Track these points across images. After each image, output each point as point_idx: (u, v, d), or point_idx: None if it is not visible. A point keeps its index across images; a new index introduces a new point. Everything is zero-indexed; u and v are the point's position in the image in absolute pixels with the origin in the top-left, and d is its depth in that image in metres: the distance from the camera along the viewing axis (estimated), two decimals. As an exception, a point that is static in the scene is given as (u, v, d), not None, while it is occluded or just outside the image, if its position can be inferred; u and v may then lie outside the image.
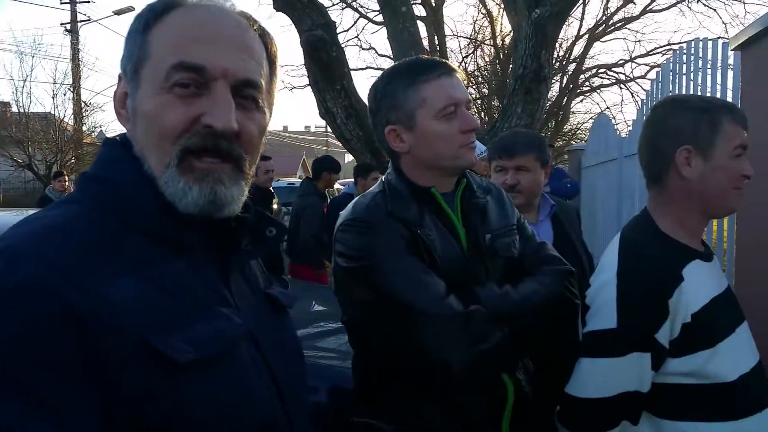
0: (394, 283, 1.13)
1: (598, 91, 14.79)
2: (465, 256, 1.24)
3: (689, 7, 11.46)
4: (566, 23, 13.42)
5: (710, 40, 2.67)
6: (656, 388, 1.20)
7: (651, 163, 1.33)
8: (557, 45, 12.72)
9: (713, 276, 1.30)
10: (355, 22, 13.29)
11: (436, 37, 12.32)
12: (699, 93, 2.76)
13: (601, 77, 13.99)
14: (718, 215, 1.31)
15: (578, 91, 14.13)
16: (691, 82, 2.89)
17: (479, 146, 4.18)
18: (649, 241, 1.28)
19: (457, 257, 1.23)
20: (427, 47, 12.62)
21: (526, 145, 1.90)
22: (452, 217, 1.26)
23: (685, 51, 3.03)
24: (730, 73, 2.50)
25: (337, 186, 10.11)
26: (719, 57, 2.59)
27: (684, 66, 3.02)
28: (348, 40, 12.72)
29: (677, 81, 3.16)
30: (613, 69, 13.43)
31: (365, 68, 14.16)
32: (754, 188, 1.94)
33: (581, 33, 13.01)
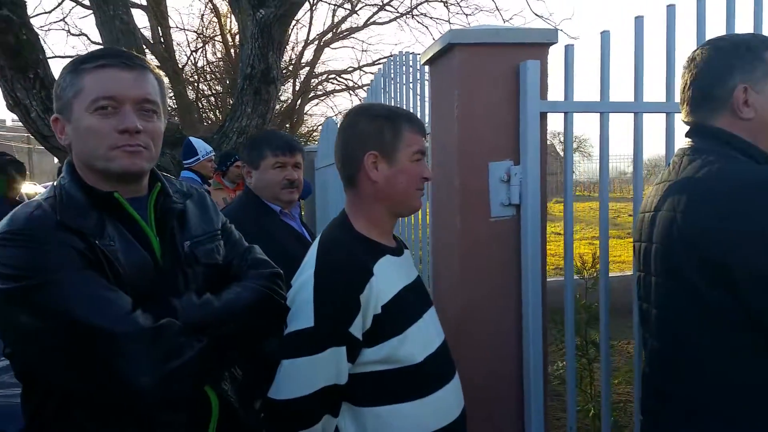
0: (69, 302, 1.00)
1: (330, 96, 15.73)
2: (158, 266, 1.17)
3: (407, 23, 12.97)
4: (297, 27, 13.97)
5: (411, 54, 3.04)
6: (354, 379, 1.30)
7: (344, 167, 1.44)
8: (289, 48, 13.15)
9: (403, 268, 1.46)
10: (60, 3, 11.73)
11: (159, 28, 11.63)
12: (403, 102, 3.11)
13: (332, 82, 14.96)
14: (405, 214, 1.48)
15: (312, 95, 14.85)
16: (396, 93, 3.25)
17: (204, 146, 4.08)
18: (343, 240, 1.38)
19: (148, 268, 1.15)
20: (150, 38, 11.80)
21: (298, 144, 2.16)
22: (142, 224, 1.18)
23: (391, 63, 3.39)
24: (427, 85, 2.88)
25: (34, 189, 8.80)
26: (418, 70, 2.97)
27: (391, 77, 3.37)
28: (52, 23, 11.14)
29: (387, 90, 3.52)
30: (342, 75, 14.47)
31: (75, 56, 12.55)
32: (438, 191, 2.28)
33: (311, 38, 13.73)
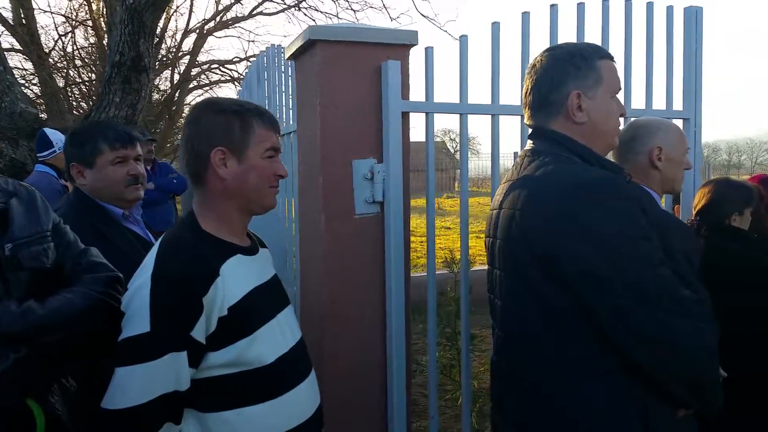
0: None
1: (215, 86, 15.16)
2: None
3: (295, 16, 12.81)
4: (176, 15, 13.32)
5: (280, 47, 3.02)
6: (198, 384, 1.26)
7: (190, 163, 1.39)
8: (167, 36, 12.51)
9: (256, 267, 1.42)
10: None
11: (21, 9, 10.61)
12: (274, 97, 3.08)
13: (215, 73, 14.42)
14: (257, 212, 1.46)
15: (194, 84, 14.24)
16: (267, 87, 3.21)
17: (60, 138, 3.78)
18: (187, 239, 1.32)
19: None
20: (11, 20, 10.76)
21: (137, 134, 2.03)
22: None
23: (264, 56, 3.34)
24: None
25: None
26: (284, 64, 2.95)
27: (263, 70, 3.33)
28: None
29: (261, 84, 3.46)
30: (227, 66, 13.99)
31: None
32: (303, 188, 2.28)
33: (191, 27, 13.15)
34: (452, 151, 41.39)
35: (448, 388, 3.75)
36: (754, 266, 2.27)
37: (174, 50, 12.99)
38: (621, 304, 1.25)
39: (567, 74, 1.48)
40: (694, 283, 1.57)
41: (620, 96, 1.56)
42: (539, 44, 2.08)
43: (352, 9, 11.15)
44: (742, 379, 1.92)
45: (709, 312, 1.51)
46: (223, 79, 14.81)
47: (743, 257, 2.27)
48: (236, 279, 1.32)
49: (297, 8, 11.64)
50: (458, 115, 2.20)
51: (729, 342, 1.63)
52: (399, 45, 2.06)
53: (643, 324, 1.25)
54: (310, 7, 11.84)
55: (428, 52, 2.13)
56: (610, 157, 1.90)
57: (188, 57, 13.41)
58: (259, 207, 1.44)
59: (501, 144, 2.29)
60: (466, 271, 2.30)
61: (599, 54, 1.51)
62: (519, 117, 2.27)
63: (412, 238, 2.37)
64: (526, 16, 2.24)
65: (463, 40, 2.17)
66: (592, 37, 2.25)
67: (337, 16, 11.51)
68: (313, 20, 11.79)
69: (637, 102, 2.50)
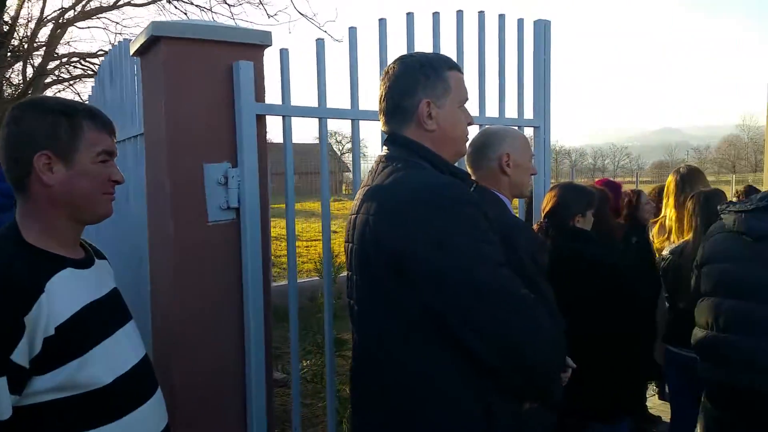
0: None
1: (77, 82, 14.05)
2: None
3: (164, 7, 12.17)
4: (29, 2, 12.19)
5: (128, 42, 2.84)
6: (22, 412, 1.16)
7: (11, 169, 1.27)
8: (19, 24, 11.41)
9: (92, 281, 1.33)
10: None
11: None
12: (126, 94, 2.89)
13: (77, 67, 13.35)
14: (90, 221, 1.36)
15: (52, 80, 13.10)
16: (117, 86, 3.01)
17: None
18: (6, 253, 1.21)
19: None
20: None
21: None
22: None
23: (117, 50, 3.13)
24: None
25: None
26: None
27: (116, 66, 3.12)
28: None
29: (114, 81, 3.25)
30: (89, 60, 13.00)
31: None
32: (151, 193, 2.15)
33: (48, 15, 12.09)
34: (338, 153, 41.56)
35: (322, 395, 3.74)
36: (593, 264, 2.49)
37: (27, 40, 11.88)
38: (463, 304, 1.32)
39: (417, 83, 1.53)
40: (538, 281, 1.69)
41: (472, 105, 1.64)
42: (399, 51, 2.14)
43: (226, 3, 10.81)
44: (589, 368, 2.09)
45: (550, 309, 1.63)
46: (86, 73, 13.79)
47: (584, 256, 2.48)
48: (65, 295, 1.22)
49: (168, 0, 11.10)
50: (345, 120, 2.21)
51: (576, 334, 1.77)
52: (252, 45, 2.02)
53: (484, 322, 1.33)
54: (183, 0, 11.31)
55: (283, 53, 2.11)
56: (464, 162, 2.01)
57: (44, 48, 12.32)
58: (91, 216, 1.35)
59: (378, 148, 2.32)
60: (329, 274, 2.30)
61: (448, 65, 1.58)
62: (379, 122, 2.31)
63: (296, 243, 2.34)
64: (382, 22, 2.29)
65: (320, 42, 2.17)
66: (448, 45, 2.34)
67: (211, 9, 11.12)
68: (185, 13, 11.32)
69: (491, 111, 2.65)
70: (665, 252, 2.96)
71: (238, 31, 2.01)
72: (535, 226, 2.66)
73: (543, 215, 2.63)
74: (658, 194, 3.74)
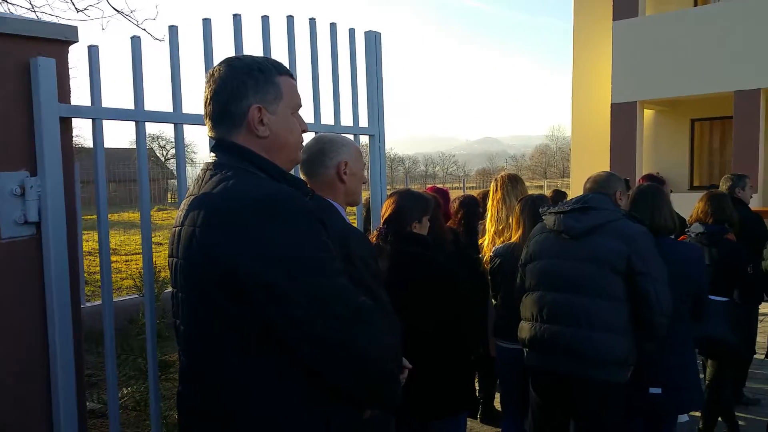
0: None
1: None
2: None
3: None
4: None
5: None
6: None
7: None
8: None
9: None
10: None
11: None
12: None
13: None
14: None
15: None
16: None
17: None
18: None
19: None
20: None
21: None
22: None
23: None
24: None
25: None
26: None
27: None
28: None
29: None
30: None
31: None
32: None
33: None
34: (162, 159, 39.23)
35: (148, 423, 3.48)
36: (431, 268, 2.63)
37: None
38: (299, 315, 1.30)
39: (246, 87, 1.48)
40: (374, 288, 1.72)
41: (307, 112, 1.62)
42: (226, 53, 2.06)
43: (28, -6, 9.67)
44: (426, 368, 2.19)
45: (388, 315, 1.67)
46: None
47: (422, 260, 2.61)
48: None
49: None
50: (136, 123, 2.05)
51: (413, 334, 1.85)
52: (55, 40, 1.82)
53: (321, 333, 1.31)
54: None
55: (92, 50, 1.93)
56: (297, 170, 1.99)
57: None
58: None
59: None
60: (152, 291, 2.14)
61: (278, 70, 1.55)
62: (204, 127, 2.21)
63: (115, 258, 2.12)
64: (207, 23, 2.19)
65: (136, 40, 2.02)
66: (279, 51, 2.32)
67: (6, 1, 9.88)
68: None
69: (326, 118, 2.67)
70: (491, 253, 3.20)
71: (36, 24, 1.80)
72: (374, 233, 2.73)
73: (382, 221, 2.71)
74: (483, 199, 4.05)
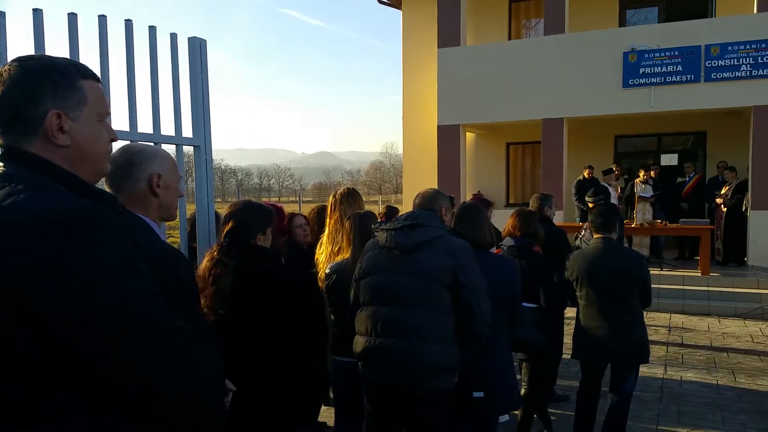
0: None
1: None
2: None
3: None
4: None
5: None
6: None
7: None
8: None
9: None
10: None
11: None
12: None
13: None
14: None
15: None
16: None
17: None
18: None
19: None
20: None
21: None
22: None
23: None
24: None
25: None
26: None
27: None
28: None
29: None
30: None
31: None
32: None
33: None
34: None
35: None
36: (282, 284, 2.58)
37: None
38: (113, 347, 1.18)
39: (44, 90, 1.31)
40: (192, 310, 1.62)
41: (123, 121, 1.47)
42: (23, 52, 1.82)
43: None
44: (262, 383, 2.11)
45: (207, 338, 1.57)
46: None
47: (273, 275, 2.55)
48: None
49: None
50: None
51: (251, 347, 1.75)
52: None
53: (140, 364, 1.21)
54: None
55: None
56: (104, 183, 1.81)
57: None
58: None
59: None
60: None
61: (82, 73, 1.40)
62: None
63: None
64: (1, 15, 1.93)
65: None
66: (89, 53, 2.11)
67: None
68: None
69: (144, 126, 2.48)
70: (327, 270, 3.19)
71: None
72: (214, 248, 2.60)
73: (223, 235, 2.59)
74: (318, 214, 4.04)
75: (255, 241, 2.61)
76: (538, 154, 11.69)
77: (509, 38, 13.28)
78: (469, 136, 13.36)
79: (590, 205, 7.73)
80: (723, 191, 10.20)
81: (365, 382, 2.67)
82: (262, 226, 2.65)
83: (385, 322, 2.58)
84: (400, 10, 14.70)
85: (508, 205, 13.31)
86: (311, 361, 2.86)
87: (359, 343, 2.67)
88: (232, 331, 2.50)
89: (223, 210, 2.76)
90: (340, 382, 3.18)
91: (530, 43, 11.99)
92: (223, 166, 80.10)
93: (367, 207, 3.49)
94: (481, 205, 3.31)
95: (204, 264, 2.59)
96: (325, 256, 3.32)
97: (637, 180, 10.37)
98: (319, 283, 3.27)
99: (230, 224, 2.60)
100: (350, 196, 3.45)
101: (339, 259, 3.18)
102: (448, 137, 11.95)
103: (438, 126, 12.04)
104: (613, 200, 10.16)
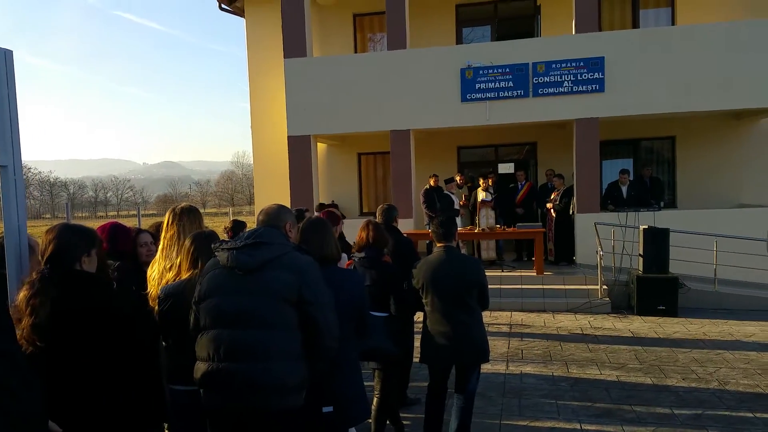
0: None
1: None
2: None
3: None
4: None
5: None
6: None
7: None
8: None
9: None
10: None
11: None
12: None
13: None
14: None
15: None
16: None
17: None
18: None
19: None
20: None
21: None
22: None
23: None
24: None
25: None
26: None
27: None
28: None
29: None
30: None
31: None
32: None
33: None
34: None
35: None
36: (111, 313, 2.42)
37: None
38: None
39: None
40: (4, 346, 1.47)
41: None
42: None
43: None
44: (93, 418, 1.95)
45: (23, 376, 1.44)
46: None
47: (103, 305, 2.39)
48: None
49: None
50: None
51: (68, 388, 1.57)
52: None
53: None
54: None
55: None
56: None
57: None
58: None
59: None
60: None
61: None
62: None
63: None
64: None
65: None
66: None
67: None
68: None
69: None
70: (161, 293, 2.97)
71: None
72: (33, 275, 2.37)
73: (44, 261, 2.37)
74: (157, 230, 3.78)
75: (79, 265, 2.44)
76: (389, 163, 12.07)
77: (355, 51, 13.59)
78: (321, 147, 13.45)
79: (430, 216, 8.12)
80: (552, 197, 11.28)
81: (208, 410, 2.57)
82: (86, 248, 2.48)
83: (229, 345, 2.49)
84: (243, 18, 14.43)
85: (362, 214, 13.58)
86: (142, 393, 2.68)
87: (200, 369, 2.56)
88: (51, 366, 2.32)
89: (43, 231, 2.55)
90: (180, 411, 3.03)
91: (376, 57, 12.36)
92: (52, 179, 72.96)
93: (218, 219, 3.38)
94: (326, 220, 3.35)
95: (22, 294, 2.37)
96: (157, 272, 3.12)
97: (479, 188, 11.12)
98: (150, 302, 3.06)
99: (50, 249, 2.40)
100: (190, 213, 3.29)
101: (170, 276, 3.00)
102: (299, 147, 11.94)
103: (288, 136, 11.98)
104: (456, 207, 10.82)
